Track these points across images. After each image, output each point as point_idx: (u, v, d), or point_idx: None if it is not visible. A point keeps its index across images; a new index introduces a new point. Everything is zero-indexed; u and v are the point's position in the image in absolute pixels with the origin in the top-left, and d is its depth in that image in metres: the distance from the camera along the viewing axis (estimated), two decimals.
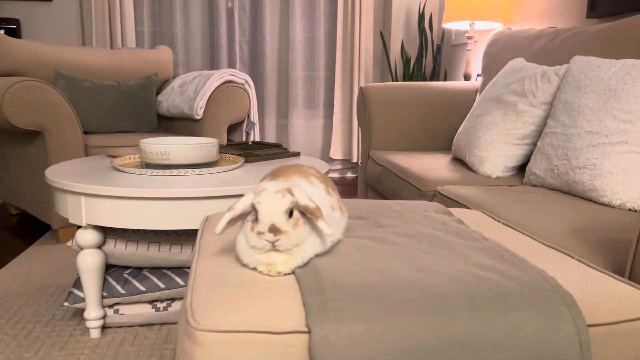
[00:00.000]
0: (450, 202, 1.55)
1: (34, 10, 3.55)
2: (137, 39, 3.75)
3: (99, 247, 1.60)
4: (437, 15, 3.79)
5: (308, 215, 0.81)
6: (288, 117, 4.02)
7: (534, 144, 1.80)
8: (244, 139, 3.10)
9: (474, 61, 3.15)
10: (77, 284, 1.64)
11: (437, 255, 0.86)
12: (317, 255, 0.85)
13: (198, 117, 2.83)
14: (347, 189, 3.74)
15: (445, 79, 3.66)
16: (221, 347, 0.66)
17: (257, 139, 3.15)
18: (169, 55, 3.32)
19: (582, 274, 0.84)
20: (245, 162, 1.90)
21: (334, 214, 0.92)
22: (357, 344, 0.65)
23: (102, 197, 1.48)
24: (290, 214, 0.80)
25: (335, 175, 4.17)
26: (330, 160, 4.12)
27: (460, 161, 2.07)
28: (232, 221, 0.84)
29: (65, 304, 1.61)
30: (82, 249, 1.58)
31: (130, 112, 2.89)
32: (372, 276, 0.76)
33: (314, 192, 0.88)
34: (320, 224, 0.80)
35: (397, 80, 3.70)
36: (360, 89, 2.56)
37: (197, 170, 1.66)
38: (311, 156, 4.13)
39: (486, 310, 0.69)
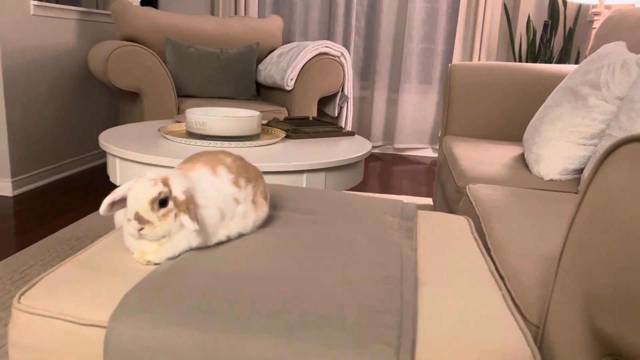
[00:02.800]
0: (469, 204, 1.40)
1: None
2: (259, 8, 3.88)
3: None
4: None
5: (176, 206, 0.79)
6: (399, 91, 3.88)
7: None
8: (336, 113, 3.08)
9: None
10: None
11: (323, 264, 0.79)
12: (200, 250, 0.83)
13: (289, 88, 2.86)
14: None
15: (577, 62, 3.23)
16: (31, 329, 0.68)
17: (351, 113, 3.11)
18: (279, 24, 3.38)
19: (484, 313, 0.71)
20: (290, 137, 1.89)
21: (239, 207, 0.88)
22: (145, 349, 0.64)
23: (130, 161, 1.59)
24: (164, 203, 0.79)
25: None
26: (439, 139, 3.92)
27: (524, 157, 1.84)
28: (117, 204, 0.85)
29: None
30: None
31: (230, 79, 3.02)
32: (223, 281, 0.73)
33: (211, 183, 0.86)
34: (183, 217, 0.78)
35: (520, 61, 3.36)
36: (449, 67, 2.37)
37: (233, 143, 1.70)
38: (418, 134, 3.97)
39: (297, 339, 0.62)
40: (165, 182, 0.80)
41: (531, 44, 3.27)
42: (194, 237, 0.82)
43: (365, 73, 3.95)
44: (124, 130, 1.90)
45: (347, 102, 3.03)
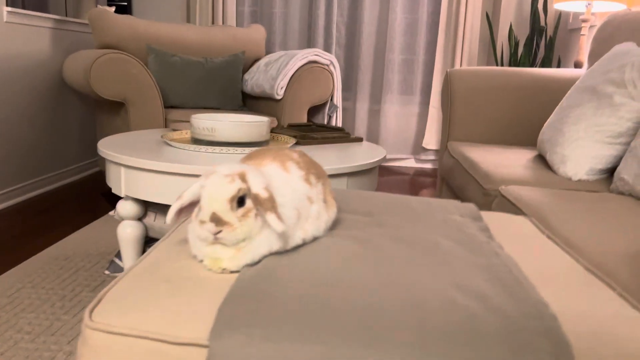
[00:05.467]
0: (510, 205, 1.34)
1: None
2: (238, 19, 3.79)
3: (139, 219, 1.60)
4: None
5: (257, 205, 0.69)
6: (381, 102, 3.85)
7: (629, 144, 1.51)
8: (325, 122, 3.00)
9: (588, 48, 2.77)
10: (120, 253, 1.66)
11: (422, 267, 0.71)
12: (279, 254, 0.73)
13: (278, 97, 2.78)
14: (432, 181, 3.52)
15: (558, 68, 3.27)
16: (108, 351, 0.57)
17: (340, 122, 3.04)
18: (262, 34, 3.30)
19: (612, 315, 0.64)
20: (299, 144, 1.80)
21: (312, 207, 0.79)
22: None
23: (138, 169, 1.46)
24: (242, 202, 0.69)
25: (428, 166, 3.95)
26: (422, 150, 3.90)
27: (543, 159, 1.81)
28: (185, 210, 0.74)
29: (106, 272, 1.63)
30: (122, 219, 1.58)
31: (215, 88, 2.91)
32: (322, 290, 0.63)
33: (285, 180, 0.76)
34: (269, 217, 0.68)
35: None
36: (447, 73, 2.34)
37: (240, 149, 1.59)
38: (400, 144, 3.94)
39: (437, 350, 0.54)
40: (243, 178, 0.70)
41: (513, 52, 3.29)
42: (275, 240, 0.72)
43: (347, 84, 3.90)
44: (122, 139, 1.77)
45: (337, 111, 2.97)
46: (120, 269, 1.62)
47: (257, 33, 3.29)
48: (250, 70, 3.05)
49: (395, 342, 0.54)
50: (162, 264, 0.72)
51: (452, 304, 0.61)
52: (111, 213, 1.69)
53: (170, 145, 1.65)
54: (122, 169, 1.50)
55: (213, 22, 3.64)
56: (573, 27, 3.17)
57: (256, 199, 0.69)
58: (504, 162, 1.71)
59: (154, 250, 0.78)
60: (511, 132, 2.23)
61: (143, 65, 2.47)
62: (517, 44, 3.31)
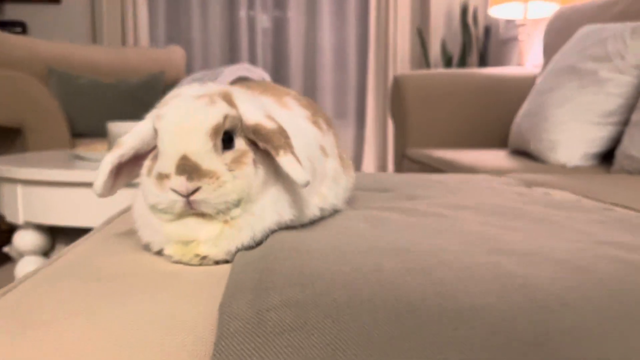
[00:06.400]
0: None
1: (42, 13, 3.30)
2: (151, 39, 3.45)
3: (45, 254, 1.22)
4: (482, 8, 3.38)
5: (261, 144, 0.40)
6: None
7: (624, 123, 1.34)
8: None
9: (528, 53, 2.71)
10: None
11: (527, 232, 0.44)
12: (289, 231, 0.44)
13: None
14: None
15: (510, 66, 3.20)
16: None
17: None
18: (181, 55, 3.01)
19: None
20: None
21: (328, 161, 0.51)
22: None
23: (41, 184, 1.11)
24: (229, 140, 0.40)
25: None
26: (395, 153, 3.69)
27: (521, 154, 1.62)
28: (126, 171, 0.44)
29: None
30: (22, 255, 1.20)
31: (132, 112, 2.55)
32: (402, 289, 0.34)
33: (286, 118, 0.47)
34: (285, 160, 0.39)
35: None
36: (395, 78, 2.16)
37: None
38: None
39: None
40: (228, 100, 0.41)
41: (447, 67, 3.21)
42: (287, 206, 0.43)
43: None
44: (16, 157, 1.40)
45: None
46: None
47: (175, 54, 3.00)
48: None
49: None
50: (90, 261, 0.40)
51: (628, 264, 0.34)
52: (6, 249, 1.29)
53: (84, 159, 1.31)
54: (19, 188, 1.13)
55: (123, 44, 3.29)
56: (505, 37, 3.14)
57: (257, 132, 0.39)
58: (483, 157, 1.51)
59: (73, 248, 0.46)
60: (471, 134, 2.06)
61: (43, 86, 2.10)
62: (450, 60, 3.22)
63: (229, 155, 0.40)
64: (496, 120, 2.06)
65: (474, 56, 3.33)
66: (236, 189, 0.39)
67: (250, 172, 0.40)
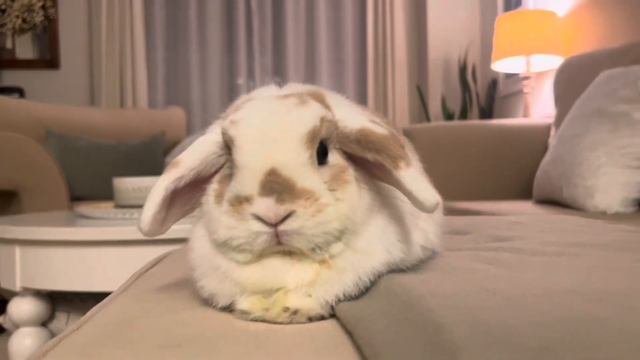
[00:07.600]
0: None
1: (40, 78, 3.28)
2: (150, 99, 3.42)
3: (44, 324, 1.09)
4: (480, 64, 3.40)
5: (371, 155, 0.31)
6: None
7: None
8: None
9: (534, 105, 2.68)
10: None
11: None
12: (395, 273, 0.34)
13: None
14: None
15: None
16: None
17: None
18: (181, 115, 2.97)
19: None
20: None
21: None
22: None
23: (41, 244, 0.99)
24: (323, 153, 0.30)
25: None
26: None
27: (548, 203, 1.53)
28: (179, 199, 0.35)
29: None
30: (17, 326, 1.07)
31: (133, 174, 2.46)
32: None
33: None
34: (406, 173, 0.30)
35: None
36: (404, 131, 2.09)
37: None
38: None
39: None
40: (321, 100, 0.32)
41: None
42: (395, 240, 0.33)
43: None
44: (13, 218, 1.29)
45: None
46: None
47: (175, 114, 2.95)
48: (173, 152, 2.65)
49: None
50: (138, 322, 0.30)
51: None
52: (0, 320, 1.16)
53: (88, 218, 1.21)
54: (17, 248, 1.02)
55: (122, 105, 3.25)
56: (506, 93, 3.13)
57: (364, 142, 0.30)
58: (513, 208, 1.42)
59: (103, 307, 0.36)
60: (485, 187, 1.98)
61: (41, 147, 2.01)
62: (451, 115, 3.20)
63: (326, 171, 0.30)
64: (511, 171, 1.99)
65: (474, 111, 3.31)
66: (339, 215, 0.29)
67: (355, 194, 0.30)
